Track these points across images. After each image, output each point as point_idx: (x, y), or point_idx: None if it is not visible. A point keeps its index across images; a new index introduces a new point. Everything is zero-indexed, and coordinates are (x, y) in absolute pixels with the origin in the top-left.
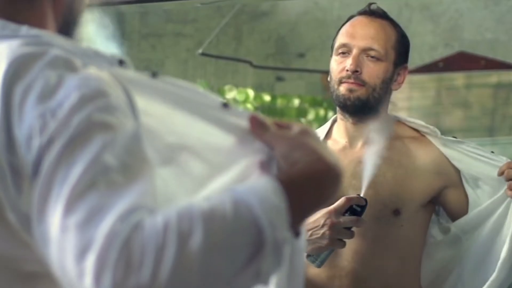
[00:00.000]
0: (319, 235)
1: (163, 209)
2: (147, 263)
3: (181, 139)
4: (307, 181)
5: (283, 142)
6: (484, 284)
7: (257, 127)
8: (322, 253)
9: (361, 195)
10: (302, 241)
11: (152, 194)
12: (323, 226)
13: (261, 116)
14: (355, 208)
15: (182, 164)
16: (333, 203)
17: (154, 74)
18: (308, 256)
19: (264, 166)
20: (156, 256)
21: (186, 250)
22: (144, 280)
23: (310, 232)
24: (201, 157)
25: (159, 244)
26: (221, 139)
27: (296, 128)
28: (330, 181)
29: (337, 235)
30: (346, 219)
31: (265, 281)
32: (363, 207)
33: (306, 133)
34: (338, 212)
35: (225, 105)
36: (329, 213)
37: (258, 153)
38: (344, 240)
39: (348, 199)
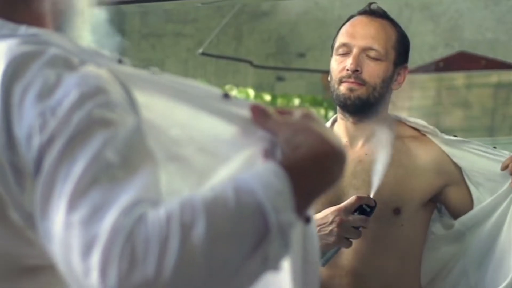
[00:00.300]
0: (327, 232)
1: (166, 201)
2: (151, 256)
3: (184, 132)
4: (311, 164)
5: (286, 127)
6: (488, 276)
7: (258, 115)
8: (328, 251)
9: (371, 196)
10: (313, 227)
11: (156, 187)
12: (331, 223)
13: (262, 104)
14: (364, 208)
15: (185, 158)
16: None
17: (153, 72)
18: None
19: (268, 153)
20: (160, 249)
21: (189, 241)
22: (149, 273)
23: (318, 228)
24: (205, 149)
25: (162, 236)
26: (223, 130)
27: (298, 113)
28: (335, 163)
29: (345, 233)
30: (355, 217)
31: (274, 267)
32: (372, 208)
33: (309, 117)
34: (347, 210)
35: (226, 96)
36: (339, 211)
37: (261, 141)
38: (350, 240)
39: (359, 198)
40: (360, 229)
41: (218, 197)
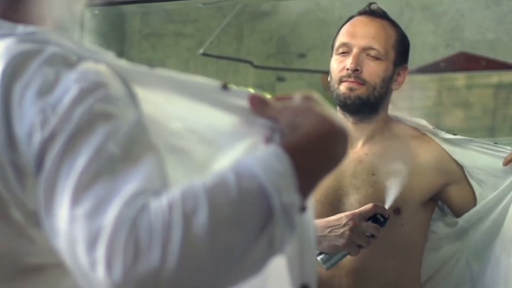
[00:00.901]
0: (338, 233)
1: (168, 190)
2: (155, 246)
3: (184, 125)
4: (312, 143)
5: (286, 112)
6: (490, 266)
7: (257, 105)
8: (335, 255)
9: (386, 207)
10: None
11: (159, 177)
12: (344, 225)
13: (261, 93)
14: (378, 218)
15: (186, 150)
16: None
17: (151, 68)
18: (320, 254)
19: (269, 141)
20: (163, 238)
21: (192, 228)
22: (154, 262)
23: (330, 228)
24: (206, 141)
25: (165, 225)
26: (223, 121)
27: (298, 97)
28: (336, 141)
29: (356, 238)
30: (369, 225)
31: (280, 249)
32: (385, 219)
33: (309, 99)
34: (362, 216)
35: (224, 87)
36: (353, 215)
37: (262, 129)
38: (359, 247)
39: (375, 207)
40: (371, 238)
41: (219, 183)
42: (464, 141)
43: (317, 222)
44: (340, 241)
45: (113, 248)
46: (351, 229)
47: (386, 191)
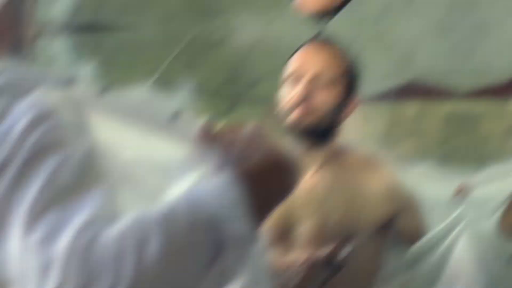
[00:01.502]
0: (292, 274)
1: (120, 219)
2: (106, 275)
3: (136, 154)
4: (261, 175)
5: (235, 144)
6: None
7: (206, 136)
8: None
9: (341, 256)
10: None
11: (109, 206)
12: (299, 266)
13: (210, 125)
14: (334, 264)
15: (139, 178)
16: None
17: (104, 89)
18: None
19: (221, 170)
20: (115, 267)
21: (144, 257)
22: None
23: (284, 268)
24: (157, 170)
25: (117, 254)
26: (176, 150)
27: (247, 128)
28: (284, 172)
29: (308, 281)
30: (323, 270)
31: (232, 280)
32: (340, 267)
33: (257, 130)
34: (318, 260)
35: (175, 116)
36: (310, 258)
37: (214, 159)
38: None
39: (332, 252)
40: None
41: (171, 212)
42: (414, 168)
43: (272, 261)
44: (292, 283)
45: (64, 277)
46: (306, 272)
47: (337, 222)
